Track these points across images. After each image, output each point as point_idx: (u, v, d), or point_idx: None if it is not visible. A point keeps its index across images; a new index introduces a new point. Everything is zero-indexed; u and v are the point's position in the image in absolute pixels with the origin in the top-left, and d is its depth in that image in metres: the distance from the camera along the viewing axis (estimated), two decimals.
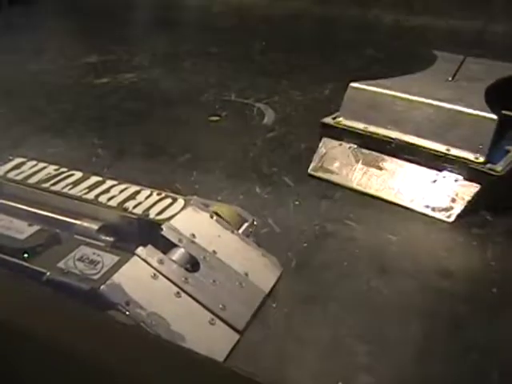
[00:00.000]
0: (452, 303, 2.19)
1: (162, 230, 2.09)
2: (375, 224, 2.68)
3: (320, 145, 3.17)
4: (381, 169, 2.97)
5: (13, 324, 1.20)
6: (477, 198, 2.72)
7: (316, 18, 6.35)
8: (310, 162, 3.17)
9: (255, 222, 2.42)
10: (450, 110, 2.86)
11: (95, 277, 1.86)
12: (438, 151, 2.83)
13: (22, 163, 2.57)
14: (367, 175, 2.98)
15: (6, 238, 2.04)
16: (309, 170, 3.12)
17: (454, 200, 2.75)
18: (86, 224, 2.18)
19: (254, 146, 3.44)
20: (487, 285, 2.29)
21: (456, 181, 2.78)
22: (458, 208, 2.72)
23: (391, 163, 2.96)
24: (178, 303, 1.92)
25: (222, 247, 2.16)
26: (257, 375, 1.07)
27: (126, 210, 2.22)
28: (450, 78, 3.24)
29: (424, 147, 2.87)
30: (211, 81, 4.52)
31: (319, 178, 3.06)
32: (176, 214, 2.18)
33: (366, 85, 3.13)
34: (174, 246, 2.07)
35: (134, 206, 2.23)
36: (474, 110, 2.80)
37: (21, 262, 1.93)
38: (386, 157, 2.98)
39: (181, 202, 2.27)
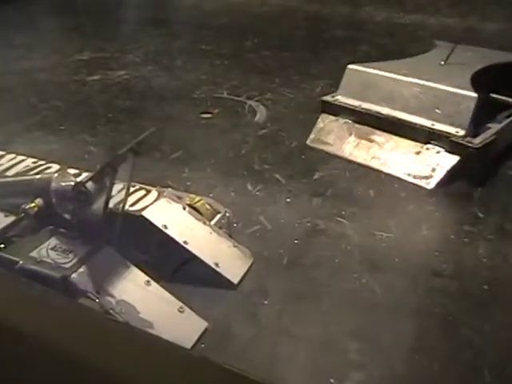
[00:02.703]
0: (443, 300, 2.20)
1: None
2: (366, 221, 2.69)
3: (318, 120, 3.47)
4: (371, 141, 3.25)
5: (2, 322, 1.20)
6: (456, 167, 2.96)
7: (308, 16, 6.34)
8: (302, 159, 3.18)
9: (227, 214, 2.45)
10: (435, 88, 3.16)
11: (67, 265, 1.91)
12: (423, 126, 3.10)
13: (1, 156, 2.61)
14: (358, 147, 3.26)
15: None
16: (307, 142, 3.40)
17: (434, 169, 2.98)
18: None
19: (246, 143, 3.44)
20: (479, 282, 2.30)
21: (438, 152, 3.03)
22: (438, 176, 2.95)
23: (380, 136, 3.24)
24: (148, 292, 1.96)
25: (193, 238, 2.20)
26: (249, 372, 1.07)
27: None
28: (442, 62, 3.52)
29: (411, 122, 3.14)
30: (203, 78, 4.52)
31: (316, 149, 3.35)
32: (149, 205, 2.23)
33: (363, 66, 3.47)
34: None
35: None
36: (457, 89, 3.09)
37: None
38: (376, 131, 3.26)
39: (154, 193, 2.31)
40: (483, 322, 2.10)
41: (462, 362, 1.94)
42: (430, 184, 2.95)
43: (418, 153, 3.08)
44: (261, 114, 3.87)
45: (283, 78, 4.47)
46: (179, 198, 2.37)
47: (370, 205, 2.83)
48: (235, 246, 2.31)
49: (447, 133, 3.02)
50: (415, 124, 3.12)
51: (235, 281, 2.19)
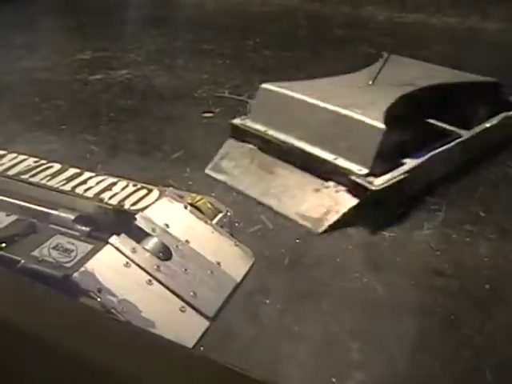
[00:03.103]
0: (445, 300, 2.20)
1: (135, 219, 2.14)
2: (368, 220, 2.68)
3: (224, 145, 3.16)
4: (272, 173, 2.91)
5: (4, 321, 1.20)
6: (353, 211, 2.62)
7: (309, 15, 6.35)
8: None
9: (229, 213, 2.43)
10: (345, 116, 2.76)
11: (68, 264, 1.90)
12: (325, 160, 2.75)
13: (3, 155, 2.62)
14: (257, 179, 2.92)
15: None
16: (206, 170, 3.08)
17: (327, 212, 2.64)
18: (62, 214, 2.19)
19: None
20: (480, 281, 2.30)
21: (337, 192, 2.69)
22: (331, 220, 2.61)
23: (282, 169, 2.89)
24: (150, 290, 1.95)
25: (195, 237, 2.19)
26: (250, 371, 1.07)
27: (101, 200, 2.26)
28: (370, 82, 3.15)
29: (314, 155, 2.79)
30: (204, 78, 4.52)
31: (213, 178, 3.01)
32: (150, 205, 2.24)
33: (277, 86, 3.08)
34: (148, 235, 2.11)
35: (110, 197, 2.28)
36: (366, 118, 2.70)
37: None
38: (279, 161, 2.92)
39: (156, 192, 2.32)
40: (484, 321, 2.10)
41: (463, 362, 1.94)
42: (320, 228, 2.59)
43: (316, 190, 2.73)
44: None
45: (284, 78, 4.46)
46: (181, 197, 2.36)
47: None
48: (237, 245, 2.31)
49: (348, 170, 2.66)
50: (318, 157, 2.77)
51: (238, 279, 2.18)
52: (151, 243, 2.08)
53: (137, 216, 2.15)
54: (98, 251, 1.96)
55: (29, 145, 3.24)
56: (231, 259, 2.23)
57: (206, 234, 2.26)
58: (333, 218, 2.62)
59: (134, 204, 2.24)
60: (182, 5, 7.37)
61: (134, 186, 2.35)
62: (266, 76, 4.50)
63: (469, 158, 3.06)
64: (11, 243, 2.00)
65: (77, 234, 2.09)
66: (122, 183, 2.37)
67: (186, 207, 2.30)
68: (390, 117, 2.71)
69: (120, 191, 2.31)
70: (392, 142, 2.74)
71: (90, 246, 1.99)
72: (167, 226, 2.17)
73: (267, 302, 2.17)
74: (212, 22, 6.24)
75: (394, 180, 2.63)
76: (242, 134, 3.09)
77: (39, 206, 2.25)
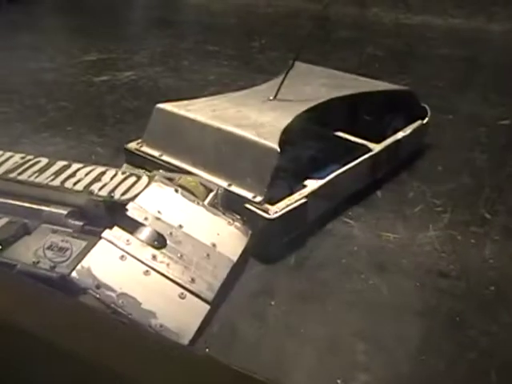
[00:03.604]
0: (450, 301, 2.20)
1: (127, 210, 2.11)
2: (374, 222, 2.69)
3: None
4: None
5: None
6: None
7: (315, 17, 6.34)
8: None
9: (220, 191, 2.37)
10: (237, 137, 2.49)
11: (64, 264, 1.90)
12: (219, 186, 2.42)
13: None
14: None
15: None
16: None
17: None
18: (54, 210, 2.17)
19: None
20: (485, 283, 2.30)
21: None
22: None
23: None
24: (148, 281, 1.94)
25: (188, 220, 2.16)
26: (255, 372, 1.07)
27: (92, 193, 2.21)
28: (271, 97, 2.89)
29: (207, 181, 2.46)
30: (210, 79, 4.52)
31: None
32: (140, 193, 2.20)
33: (172, 106, 2.80)
34: (141, 225, 2.09)
35: (100, 188, 2.23)
36: (259, 138, 2.44)
37: None
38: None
39: (145, 179, 2.27)
40: (490, 322, 2.10)
41: (468, 364, 1.94)
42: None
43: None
44: None
45: None
46: (170, 179, 2.33)
47: (377, 206, 2.83)
48: (230, 224, 2.24)
49: (244, 197, 2.38)
50: (211, 184, 2.45)
51: (234, 258, 2.14)
52: (145, 233, 2.07)
53: (128, 206, 2.12)
54: (92, 247, 1.96)
55: (34, 146, 3.25)
56: (226, 239, 2.18)
57: (199, 216, 2.21)
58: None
59: (124, 193, 2.20)
60: (188, 6, 7.38)
61: (123, 173, 2.31)
62: (272, 77, 4.51)
63: (380, 172, 2.93)
64: (5, 246, 2.00)
65: (70, 230, 2.08)
66: (111, 172, 2.33)
67: (176, 191, 2.26)
68: (292, 134, 2.53)
69: (109, 181, 2.27)
70: (292, 163, 2.59)
71: (84, 243, 1.98)
72: (159, 212, 2.13)
73: (272, 303, 2.17)
74: (217, 24, 6.26)
75: (292, 206, 2.39)
76: (136, 160, 2.79)
77: (30, 203, 2.23)
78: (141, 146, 2.81)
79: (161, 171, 2.41)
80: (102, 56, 5.09)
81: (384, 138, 2.99)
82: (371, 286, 2.28)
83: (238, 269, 2.16)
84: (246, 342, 2.00)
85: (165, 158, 2.70)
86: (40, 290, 1.41)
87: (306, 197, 2.45)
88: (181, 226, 2.13)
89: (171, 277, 1.97)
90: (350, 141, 2.94)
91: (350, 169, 2.68)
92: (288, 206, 2.38)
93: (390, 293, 2.24)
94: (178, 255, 2.04)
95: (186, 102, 2.88)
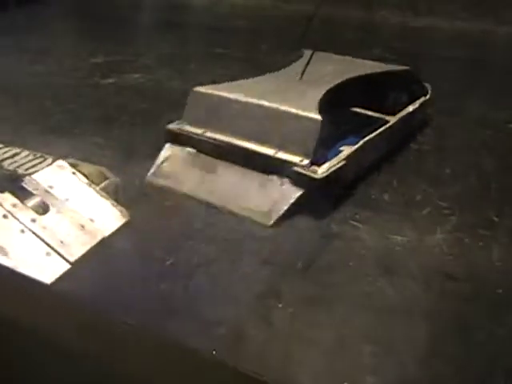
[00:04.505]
0: (457, 304, 2.20)
1: (23, 181, 2.46)
2: (381, 225, 2.68)
3: (162, 151, 3.15)
4: (214, 173, 2.95)
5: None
6: (300, 201, 2.69)
7: (322, 19, 6.34)
8: None
9: (113, 179, 2.68)
10: (280, 111, 2.86)
11: None
12: (266, 155, 2.81)
13: None
14: (200, 180, 2.95)
15: None
16: (146, 178, 3.06)
17: (275, 204, 2.71)
18: None
19: None
20: (492, 286, 2.29)
21: (282, 184, 2.76)
22: (279, 212, 2.68)
23: (224, 168, 2.93)
24: (21, 238, 2.28)
25: (75, 197, 2.52)
26: (263, 375, 1.07)
27: (1, 167, 2.57)
28: (297, 78, 3.24)
29: (254, 151, 2.84)
30: (217, 81, 4.52)
31: (155, 186, 3.00)
32: (39, 170, 2.55)
33: (208, 89, 3.15)
34: (31, 194, 2.42)
35: (10, 164, 2.60)
36: (302, 111, 2.81)
37: None
38: (220, 161, 2.95)
39: (49, 161, 2.64)
40: (497, 325, 2.10)
41: (475, 366, 1.93)
42: (270, 221, 2.66)
43: (261, 185, 2.79)
44: None
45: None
46: (74, 166, 2.65)
47: (385, 209, 2.83)
48: (114, 206, 2.56)
49: (290, 162, 2.73)
50: (258, 153, 2.83)
51: (106, 233, 2.44)
52: (32, 200, 2.39)
53: (25, 179, 2.46)
54: None
55: (41, 148, 3.25)
56: (105, 217, 2.51)
57: (86, 196, 2.56)
58: (281, 209, 2.69)
59: (27, 169, 2.55)
60: (195, 9, 7.40)
61: (34, 155, 2.67)
62: None
63: (396, 140, 3.37)
64: None
65: None
66: (25, 153, 2.67)
67: (74, 173, 2.61)
68: (322, 108, 2.84)
69: (20, 160, 2.62)
70: (327, 132, 2.83)
71: None
72: (50, 187, 2.49)
73: (280, 305, 2.17)
74: (224, 26, 6.26)
75: (335, 167, 2.76)
76: (179, 139, 3.10)
77: None
78: (182, 126, 3.10)
79: (72, 159, 2.70)
80: (109, 59, 5.10)
81: (393, 112, 3.42)
82: (379, 289, 2.28)
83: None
84: (254, 343, 2.00)
85: (209, 134, 3.00)
86: (47, 292, 1.41)
87: (344, 160, 2.83)
88: (67, 200, 2.48)
89: (43, 237, 2.29)
90: (367, 115, 3.44)
91: (374, 136, 3.11)
92: (331, 167, 2.74)
93: (398, 295, 2.24)
94: (56, 222, 2.38)
95: (219, 85, 3.22)
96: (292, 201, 2.69)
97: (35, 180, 2.48)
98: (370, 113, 3.47)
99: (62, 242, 2.31)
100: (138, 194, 2.85)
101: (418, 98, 3.61)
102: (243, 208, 2.74)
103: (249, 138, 2.87)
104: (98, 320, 1.31)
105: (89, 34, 5.96)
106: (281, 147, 2.78)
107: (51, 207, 2.41)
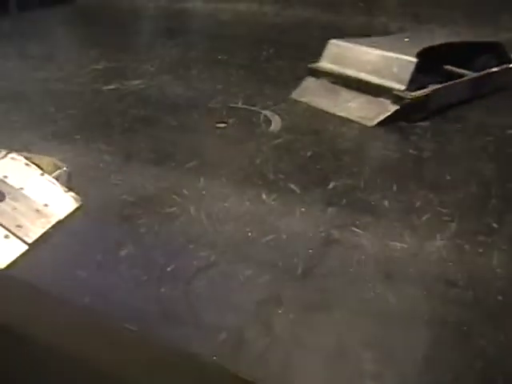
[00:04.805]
0: (458, 311, 2.20)
1: None
2: (381, 231, 2.69)
3: (304, 81, 4.52)
4: (340, 95, 4.27)
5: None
6: (395, 113, 3.94)
7: (323, 26, 6.36)
8: (317, 168, 3.22)
9: (65, 169, 2.91)
10: (389, 56, 4.22)
11: None
12: (376, 83, 4.12)
13: None
14: (331, 100, 4.26)
15: None
16: (292, 95, 4.41)
17: (378, 114, 3.97)
18: None
19: (261, 153, 3.45)
20: (493, 292, 2.30)
21: (384, 103, 4.03)
22: (381, 118, 3.95)
23: (347, 92, 4.27)
24: None
25: (29, 185, 2.74)
26: (263, 381, 1.08)
27: None
28: (406, 39, 4.76)
29: (368, 81, 4.18)
30: (218, 88, 4.54)
31: (299, 102, 4.33)
32: None
33: (341, 41, 4.54)
34: None
35: None
36: (404, 55, 4.14)
37: None
38: (345, 88, 4.30)
39: (3, 152, 2.87)
40: (497, 332, 2.10)
41: (476, 372, 1.93)
42: (372, 123, 3.93)
43: (369, 102, 4.10)
44: (275, 123, 3.89)
45: (298, 88, 4.48)
46: (27, 158, 2.88)
47: (384, 214, 2.83)
48: (66, 192, 2.79)
49: (392, 88, 4.02)
50: (371, 82, 4.15)
51: (61, 216, 2.67)
52: None
53: None
54: None
55: (43, 153, 3.26)
56: (59, 202, 2.74)
57: (40, 184, 2.78)
58: (382, 117, 3.97)
59: None
60: (197, 15, 7.41)
61: None
62: (279, 86, 4.53)
63: (477, 92, 4.37)
64: None
65: None
66: None
67: (27, 164, 2.84)
68: (419, 58, 4.05)
69: None
70: (420, 73, 4.07)
71: None
72: (5, 177, 2.74)
73: (280, 311, 2.17)
74: (226, 33, 6.28)
75: (421, 95, 4.03)
76: (317, 73, 4.50)
77: None
78: (319, 65, 4.53)
79: (24, 154, 2.93)
80: (111, 65, 5.11)
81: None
82: (379, 295, 2.28)
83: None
84: (254, 349, 2.01)
85: (338, 70, 4.39)
86: (51, 300, 1.42)
87: (429, 92, 4.09)
88: (22, 189, 2.72)
89: (0, 221, 2.51)
90: (454, 71, 4.49)
91: (457, 82, 4.33)
92: (419, 94, 4.01)
93: (398, 302, 2.24)
94: (12, 208, 2.60)
95: (348, 39, 4.59)
96: (389, 113, 3.96)
97: None
98: (457, 69, 4.51)
99: (19, 226, 2.54)
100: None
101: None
102: (358, 116, 4.04)
103: (366, 73, 4.23)
104: (98, 327, 1.32)
105: (91, 40, 5.98)
106: (387, 78, 4.10)
107: (7, 195, 2.66)
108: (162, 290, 2.29)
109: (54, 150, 3.40)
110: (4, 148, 2.94)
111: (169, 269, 2.40)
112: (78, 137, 3.65)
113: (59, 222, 2.66)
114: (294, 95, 4.38)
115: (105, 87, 4.56)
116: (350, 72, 4.30)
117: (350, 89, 4.26)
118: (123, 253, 2.51)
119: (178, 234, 2.68)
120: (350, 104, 4.15)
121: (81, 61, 5.24)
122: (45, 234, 2.58)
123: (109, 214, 2.84)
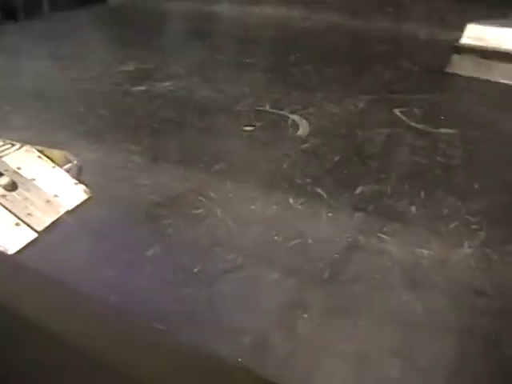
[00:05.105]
0: (485, 320, 2.18)
1: None
2: (408, 237, 2.68)
3: (454, 55, 5.19)
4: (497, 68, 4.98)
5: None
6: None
7: (351, 32, 6.36)
8: (344, 173, 3.22)
9: (76, 162, 2.98)
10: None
11: None
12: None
13: None
14: (474, 68, 5.03)
15: None
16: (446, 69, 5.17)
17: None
18: None
19: (288, 157, 3.45)
20: None
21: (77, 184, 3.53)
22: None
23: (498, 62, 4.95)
24: None
25: (41, 177, 2.86)
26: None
27: None
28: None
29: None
30: (246, 91, 4.55)
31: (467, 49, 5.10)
32: (9, 154, 2.91)
33: (479, 24, 5.19)
34: (1, 174, 2.76)
35: None
36: None
37: None
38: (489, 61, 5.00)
39: (17, 146, 2.97)
40: None
41: (503, 383, 1.92)
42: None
43: None
44: (303, 128, 3.89)
45: (326, 93, 4.48)
46: (40, 151, 2.98)
47: (412, 221, 2.82)
48: (76, 184, 2.89)
49: None
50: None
51: (70, 207, 2.77)
52: (1, 180, 2.73)
53: None
54: None
55: (74, 152, 3.29)
56: (68, 193, 2.84)
57: (51, 176, 2.89)
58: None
59: None
60: (225, 19, 7.44)
61: (4, 141, 2.99)
62: (306, 91, 4.53)
63: None
64: None
65: None
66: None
67: (39, 157, 2.95)
68: None
69: None
70: None
71: None
72: (19, 168, 2.84)
73: (305, 316, 2.17)
74: (254, 36, 6.29)
75: None
76: (463, 50, 5.12)
77: None
78: (464, 43, 5.18)
79: (37, 147, 3.01)
80: (140, 66, 5.15)
81: None
82: (404, 303, 2.27)
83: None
84: (278, 354, 2.01)
85: (482, 45, 5.05)
86: (71, 294, 1.43)
87: None
88: (33, 179, 2.82)
89: (12, 210, 2.62)
90: None
91: None
92: None
93: (424, 309, 2.23)
94: (24, 197, 2.71)
95: (486, 21, 5.26)
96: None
97: (5, 162, 2.85)
98: None
99: (29, 214, 2.65)
100: None
101: None
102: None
103: None
104: (122, 325, 1.32)
105: (120, 42, 6.03)
106: None
107: (19, 185, 2.77)
108: (188, 291, 2.30)
109: (84, 149, 3.43)
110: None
111: (195, 270, 2.41)
112: (108, 136, 3.69)
113: (68, 213, 2.77)
114: (449, 68, 5.09)
115: (134, 88, 4.60)
116: (499, 48, 4.93)
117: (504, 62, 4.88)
118: (149, 253, 2.52)
119: (204, 236, 2.69)
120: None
121: (111, 61, 5.28)
122: (53, 222, 2.69)
123: (135, 214, 2.86)
